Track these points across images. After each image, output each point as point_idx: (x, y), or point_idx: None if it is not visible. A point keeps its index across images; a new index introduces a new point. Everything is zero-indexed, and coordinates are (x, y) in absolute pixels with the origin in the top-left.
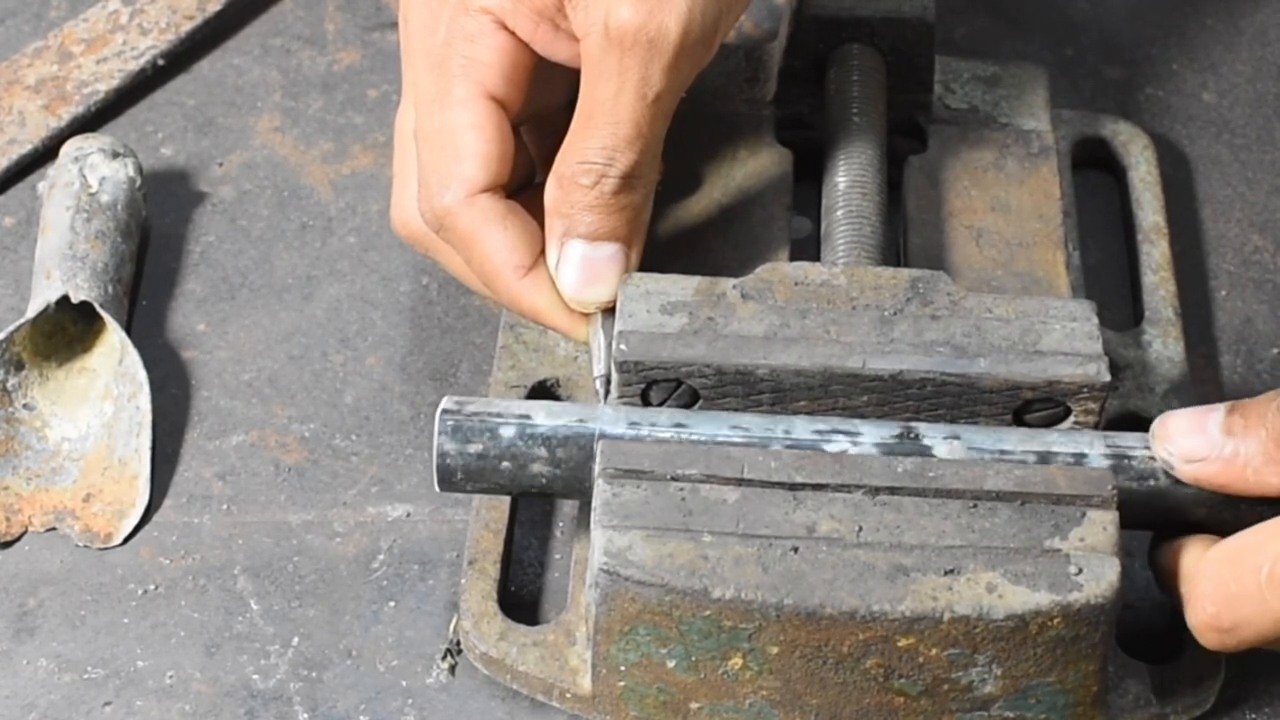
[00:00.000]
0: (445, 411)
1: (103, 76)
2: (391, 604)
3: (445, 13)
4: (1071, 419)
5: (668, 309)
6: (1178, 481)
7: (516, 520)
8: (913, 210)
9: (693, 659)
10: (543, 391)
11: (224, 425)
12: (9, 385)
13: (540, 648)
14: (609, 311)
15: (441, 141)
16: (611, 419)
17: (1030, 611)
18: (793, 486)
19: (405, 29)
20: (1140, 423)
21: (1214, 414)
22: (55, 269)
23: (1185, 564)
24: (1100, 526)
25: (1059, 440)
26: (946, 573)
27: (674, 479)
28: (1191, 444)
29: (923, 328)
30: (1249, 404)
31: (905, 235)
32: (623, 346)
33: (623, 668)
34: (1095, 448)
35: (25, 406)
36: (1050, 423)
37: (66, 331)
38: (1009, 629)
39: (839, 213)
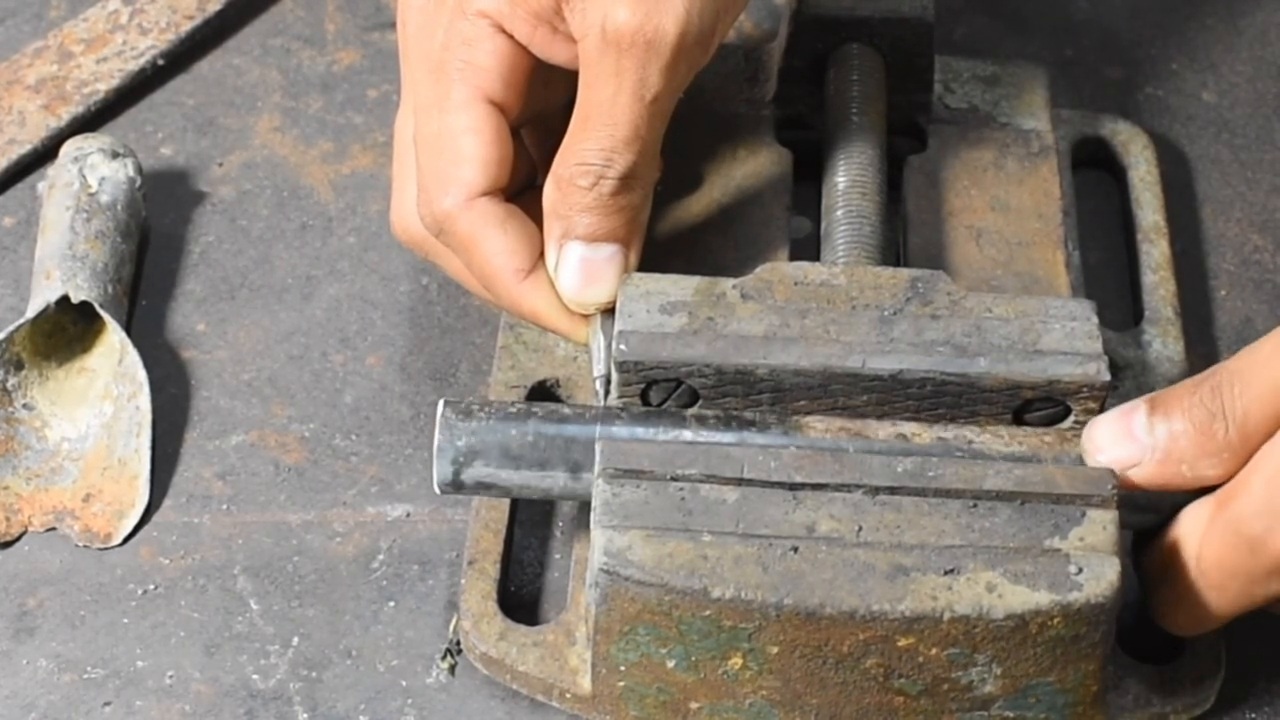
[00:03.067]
0: (444, 414)
1: (103, 76)
2: (391, 604)
3: (443, 17)
4: (1072, 419)
5: (667, 309)
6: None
7: (516, 520)
8: (913, 210)
9: (693, 659)
10: (543, 392)
11: (224, 425)
12: (9, 385)
13: (540, 648)
14: (609, 312)
15: (440, 146)
16: (611, 419)
17: (1030, 611)
18: (793, 486)
19: (403, 33)
20: None
21: (1137, 414)
22: (55, 269)
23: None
24: (1100, 526)
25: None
26: (946, 572)
27: (674, 479)
28: (1122, 452)
29: (923, 327)
30: (1168, 397)
31: (905, 235)
32: (622, 346)
33: (623, 668)
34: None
35: (25, 406)
36: (1050, 422)
37: (66, 331)
38: (1009, 629)
39: (839, 212)
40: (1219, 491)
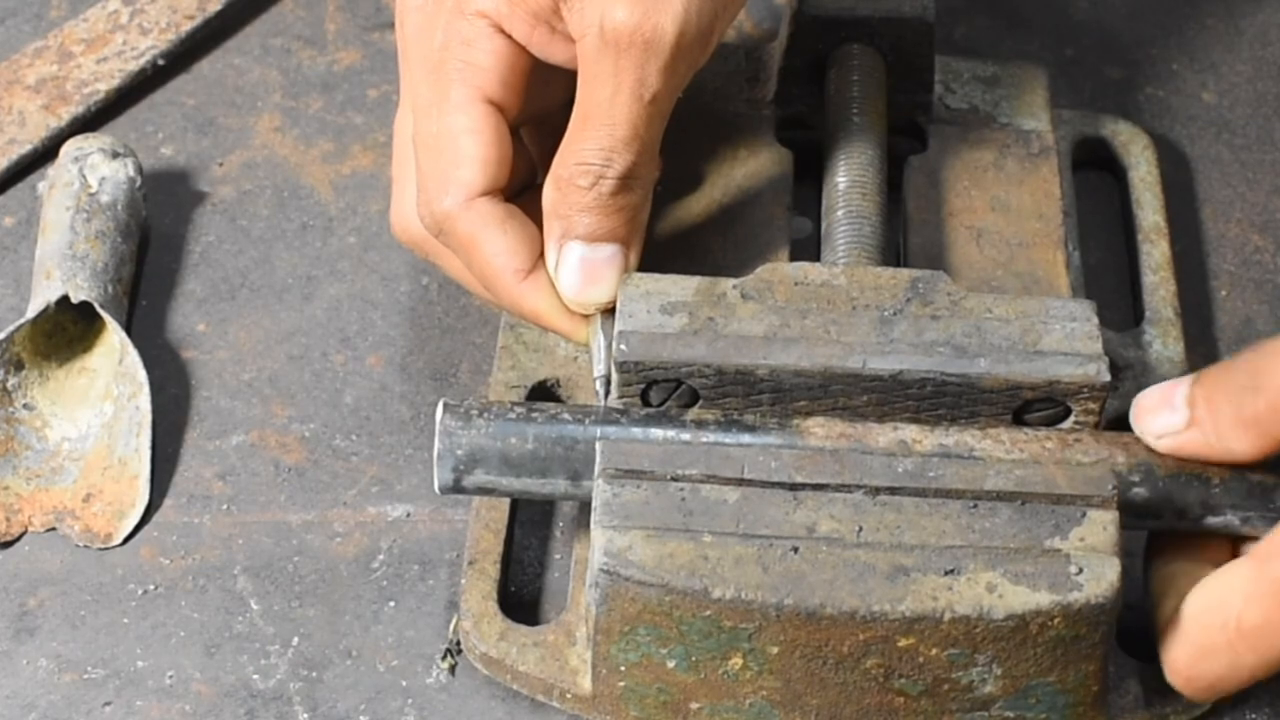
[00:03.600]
0: (443, 421)
1: (103, 76)
2: (391, 604)
3: (441, 17)
4: (1072, 419)
5: (668, 309)
6: (1175, 476)
7: (516, 520)
8: (913, 210)
9: (693, 659)
10: (543, 392)
11: (224, 425)
12: (9, 385)
13: (540, 648)
14: (609, 312)
15: (439, 146)
16: (611, 421)
17: (1030, 611)
18: (793, 486)
19: (402, 33)
20: None
21: (1180, 387)
22: (55, 269)
23: (1163, 613)
24: (1100, 526)
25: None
26: (947, 573)
27: (674, 479)
28: (1162, 421)
29: (923, 328)
30: (1212, 374)
31: (905, 235)
32: (623, 347)
33: (623, 668)
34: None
35: (25, 406)
36: (1050, 422)
37: (66, 331)
38: (1009, 629)
39: (839, 213)
40: (1256, 549)
